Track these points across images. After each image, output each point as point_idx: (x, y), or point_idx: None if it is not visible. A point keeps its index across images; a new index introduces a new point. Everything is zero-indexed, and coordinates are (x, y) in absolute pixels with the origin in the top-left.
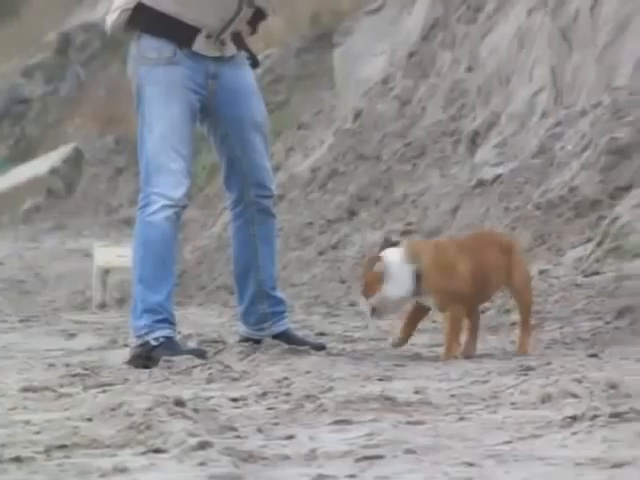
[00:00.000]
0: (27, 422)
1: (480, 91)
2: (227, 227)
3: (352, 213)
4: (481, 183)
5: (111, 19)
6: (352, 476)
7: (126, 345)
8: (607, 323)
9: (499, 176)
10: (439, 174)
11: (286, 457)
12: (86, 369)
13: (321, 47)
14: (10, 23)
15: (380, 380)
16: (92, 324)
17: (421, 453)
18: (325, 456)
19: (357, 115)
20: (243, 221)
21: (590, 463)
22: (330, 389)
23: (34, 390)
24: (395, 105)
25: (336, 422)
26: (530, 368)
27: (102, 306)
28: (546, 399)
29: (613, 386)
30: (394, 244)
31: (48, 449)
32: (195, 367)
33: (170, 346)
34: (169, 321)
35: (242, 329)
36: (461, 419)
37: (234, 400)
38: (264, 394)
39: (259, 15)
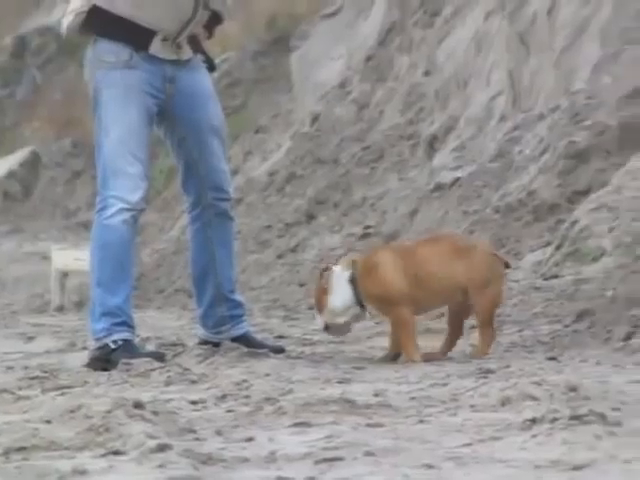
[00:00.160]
0: None
1: (438, 95)
2: (185, 230)
3: (310, 217)
4: (439, 187)
5: (67, 21)
6: (311, 478)
7: (85, 348)
8: (566, 326)
9: (457, 180)
10: (397, 178)
11: (245, 459)
12: (45, 372)
13: (278, 51)
14: None
15: (339, 383)
16: (50, 327)
17: (380, 455)
18: (284, 458)
19: (315, 119)
20: (201, 224)
21: (550, 465)
22: (289, 392)
23: None
24: (353, 109)
25: (295, 424)
26: (490, 371)
27: (60, 309)
28: (506, 402)
29: (572, 389)
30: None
31: (7, 451)
32: (154, 370)
33: (129, 349)
34: (128, 324)
35: (201, 332)
36: (421, 422)
37: (193, 403)
38: (223, 397)
39: (215, 19)
